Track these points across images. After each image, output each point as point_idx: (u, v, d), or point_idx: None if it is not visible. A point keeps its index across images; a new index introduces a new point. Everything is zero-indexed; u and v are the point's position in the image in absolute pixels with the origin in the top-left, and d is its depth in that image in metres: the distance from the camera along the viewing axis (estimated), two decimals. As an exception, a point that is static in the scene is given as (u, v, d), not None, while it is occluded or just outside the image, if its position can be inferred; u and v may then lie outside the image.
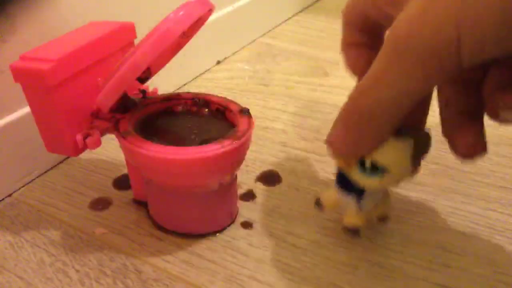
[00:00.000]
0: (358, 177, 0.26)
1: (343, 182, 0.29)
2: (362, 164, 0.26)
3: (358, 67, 0.28)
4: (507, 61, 0.23)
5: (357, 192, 0.29)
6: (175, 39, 0.27)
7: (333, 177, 0.29)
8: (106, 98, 0.30)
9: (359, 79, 0.27)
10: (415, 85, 0.21)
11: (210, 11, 0.32)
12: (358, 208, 0.29)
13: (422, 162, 0.39)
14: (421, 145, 0.26)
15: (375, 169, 0.25)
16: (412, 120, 0.25)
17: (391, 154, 0.25)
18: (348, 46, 0.28)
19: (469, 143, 0.26)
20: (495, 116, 0.24)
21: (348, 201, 0.29)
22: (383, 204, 0.31)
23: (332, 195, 0.31)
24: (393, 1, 0.23)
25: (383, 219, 0.32)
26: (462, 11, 0.18)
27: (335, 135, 0.25)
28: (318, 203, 0.32)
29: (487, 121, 0.25)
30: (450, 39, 0.19)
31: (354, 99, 0.24)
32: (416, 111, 0.25)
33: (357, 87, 0.23)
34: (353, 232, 0.31)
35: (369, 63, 0.22)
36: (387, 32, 0.22)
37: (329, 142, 0.26)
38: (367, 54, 0.27)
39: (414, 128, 0.27)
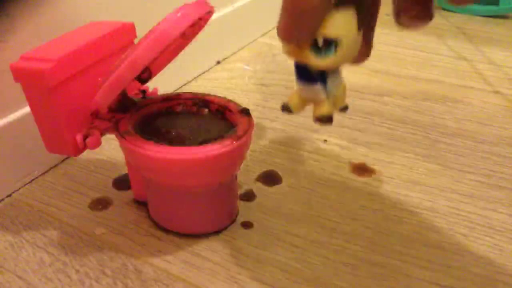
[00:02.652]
0: (315, 60, 0.28)
1: (304, 75, 0.30)
2: (315, 45, 0.27)
3: None
4: None
5: (320, 78, 0.30)
6: (173, 40, 0.27)
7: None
8: (103, 98, 0.30)
9: None
10: None
11: (209, 13, 0.32)
12: (325, 94, 0.31)
13: (422, 162, 0.39)
14: (363, 9, 0.28)
15: (329, 45, 0.27)
16: None
17: (337, 24, 0.27)
18: None
19: (413, 15, 0.28)
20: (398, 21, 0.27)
21: (315, 92, 0.31)
22: (341, 93, 0.32)
23: (296, 96, 0.32)
24: None
25: (344, 108, 0.33)
26: None
27: (282, 24, 0.27)
28: (285, 108, 0.32)
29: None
30: None
31: None
32: None
33: None
34: (327, 119, 0.32)
35: None
36: None
37: (279, 32, 0.28)
38: None
39: None
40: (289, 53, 0.29)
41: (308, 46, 0.28)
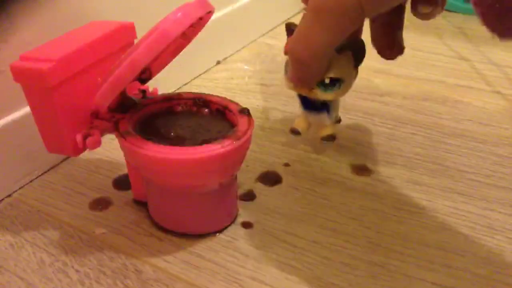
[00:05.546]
0: (321, 95, 0.34)
1: (310, 106, 0.37)
2: (322, 83, 0.33)
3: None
4: None
5: (325, 108, 0.36)
6: (173, 40, 0.27)
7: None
8: (103, 98, 0.30)
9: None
10: (334, 36, 0.28)
11: (210, 13, 0.32)
12: (329, 119, 0.37)
13: (422, 162, 0.40)
14: (358, 54, 0.34)
15: (333, 83, 0.33)
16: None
17: (340, 67, 0.33)
18: None
19: (389, 46, 0.36)
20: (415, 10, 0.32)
21: (320, 118, 0.37)
22: (337, 110, 0.39)
23: (303, 120, 0.39)
24: None
25: (338, 121, 0.42)
26: None
27: (291, 75, 0.33)
28: (294, 131, 0.39)
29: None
30: (353, 3, 0.26)
31: (291, 49, 0.31)
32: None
33: (292, 39, 0.30)
34: (331, 138, 0.38)
35: None
36: None
37: (290, 80, 0.34)
38: None
39: (350, 41, 0.32)
40: (294, 89, 0.35)
41: (315, 85, 0.33)
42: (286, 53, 0.34)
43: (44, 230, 0.35)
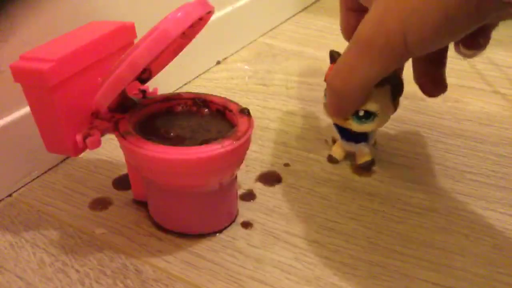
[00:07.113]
0: (355, 126, 0.35)
1: (348, 136, 0.38)
2: (356, 115, 0.34)
3: (349, 31, 0.34)
4: None
5: (363, 139, 0.37)
6: (173, 40, 0.27)
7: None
8: (103, 98, 0.30)
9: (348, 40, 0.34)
10: (377, 72, 0.29)
11: (210, 13, 0.32)
12: (368, 148, 0.38)
13: (422, 162, 0.40)
14: (396, 88, 0.35)
15: (368, 116, 0.34)
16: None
17: (376, 101, 0.33)
18: (346, 10, 0.35)
19: (432, 83, 0.36)
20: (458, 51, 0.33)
21: (359, 148, 0.38)
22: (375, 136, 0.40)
23: (339, 149, 0.40)
24: None
25: (374, 144, 0.41)
26: (406, 25, 0.25)
27: (328, 105, 0.35)
28: (331, 159, 0.41)
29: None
30: (399, 43, 0.26)
31: (330, 80, 0.31)
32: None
33: (333, 70, 0.31)
34: (370, 164, 0.39)
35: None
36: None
37: (326, 109, 0.36)
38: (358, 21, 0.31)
39: (389, 75, 0.32)
40: (333, 119, 0.36)
41: (350, 117, 0.34)
42: (326, 80, 0.35)
43: (44, 230, 0.35)
